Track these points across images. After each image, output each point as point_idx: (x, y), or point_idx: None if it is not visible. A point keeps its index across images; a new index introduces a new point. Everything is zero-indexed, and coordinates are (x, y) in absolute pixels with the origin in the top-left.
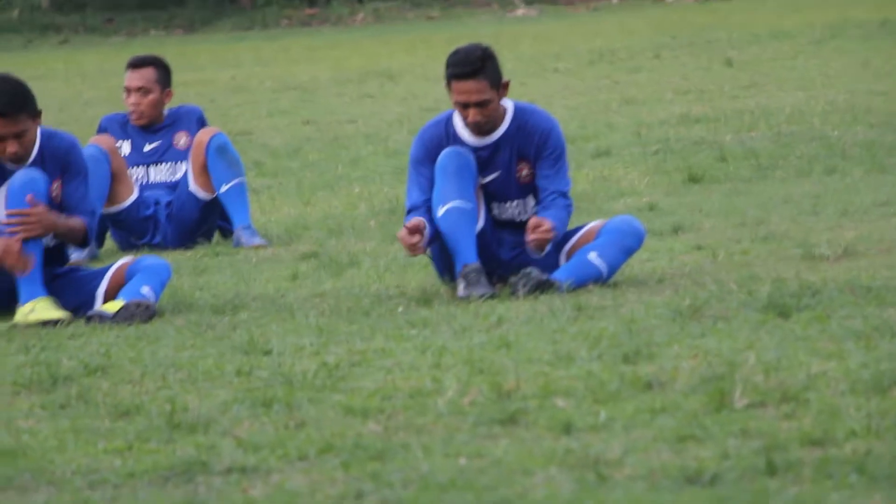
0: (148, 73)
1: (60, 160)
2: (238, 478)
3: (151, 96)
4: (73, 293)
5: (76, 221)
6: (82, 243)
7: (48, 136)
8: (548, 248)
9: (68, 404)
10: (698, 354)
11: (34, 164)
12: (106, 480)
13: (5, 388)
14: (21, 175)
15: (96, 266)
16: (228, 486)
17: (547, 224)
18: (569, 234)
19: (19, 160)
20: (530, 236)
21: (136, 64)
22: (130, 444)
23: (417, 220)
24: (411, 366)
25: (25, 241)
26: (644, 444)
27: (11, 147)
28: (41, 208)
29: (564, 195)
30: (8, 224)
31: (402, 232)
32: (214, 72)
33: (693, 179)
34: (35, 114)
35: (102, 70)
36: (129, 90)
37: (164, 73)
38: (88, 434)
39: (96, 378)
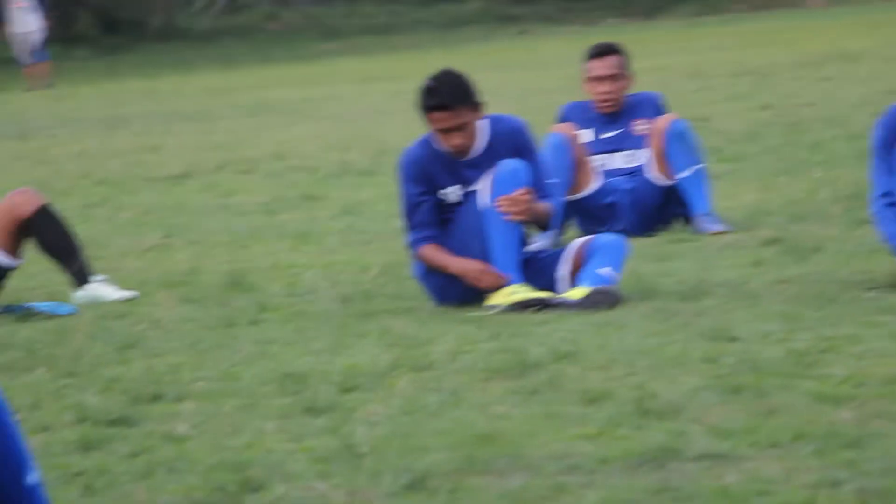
0: (615, 61)
1: (512, 143)
2: (710, 465)
3: (621, 83)
4: (535, 277)
5: (546, 206)
6: (547, 227)
7: (496, 121)
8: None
9: (538, 390)
10: None
11: (486, 151)
12: (579, 466)
13: (478, 373)
14: (506, 165)
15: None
16: (701, 473)
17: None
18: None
19: (465, 151)
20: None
21: (603, 52)
22: (601, 429)
23: None
24: (883, 353)
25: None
26: None
27: (457, 139)
28: (528, 195)
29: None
30: (496, 210)
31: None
32: (670, 58)
33: None
34: (476, 105)
35: (559, 59)
36: (599, 78)
37: (626, 60)
38: (559, 420)
39: (565, 364)
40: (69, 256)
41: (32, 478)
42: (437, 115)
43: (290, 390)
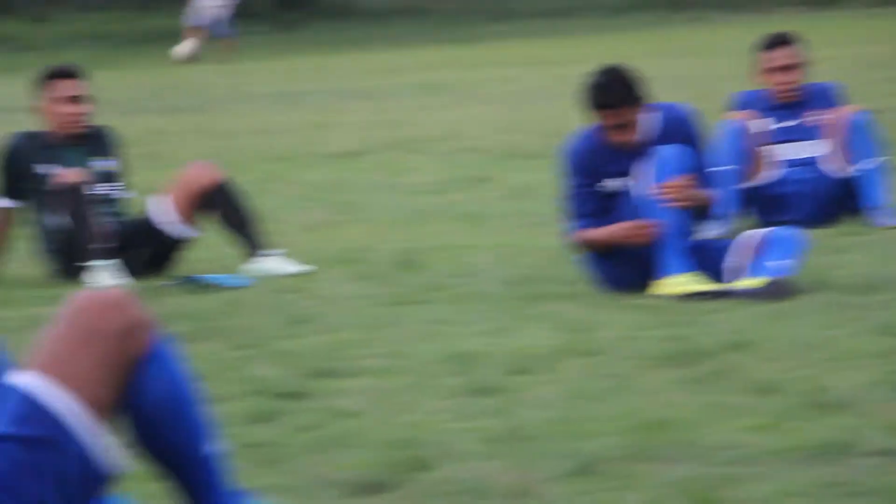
0: (793, 51)
1: (681, 132)
2: (886, 461)
3: (799, 72)
4: (702, 265)
5: (708, 193)
6: (708, 215)
7: (667, 110)
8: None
9: (708, 379)
10: None
11: (655, 140)
12: (749, 457)
13: (647, 360)
14: (667, 151)
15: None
16: (875, 469)
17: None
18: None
19: (630, 143)
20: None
21: (781, 42)
22: (771, 421)
23: None
24: None
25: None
26: None
27: (622, 134)
28: (689, 181)
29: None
30: (658, 197)
31: None
32: (849, 48)
33: None
34: (642, 101)
35: (731, 47)
36: (781, 68)
37: (802, 49)
38: (729, 410)
39: (735, 354)
40: (245, 230)
41: (211, 447)
42: (603, 112)
43: (459, 370)
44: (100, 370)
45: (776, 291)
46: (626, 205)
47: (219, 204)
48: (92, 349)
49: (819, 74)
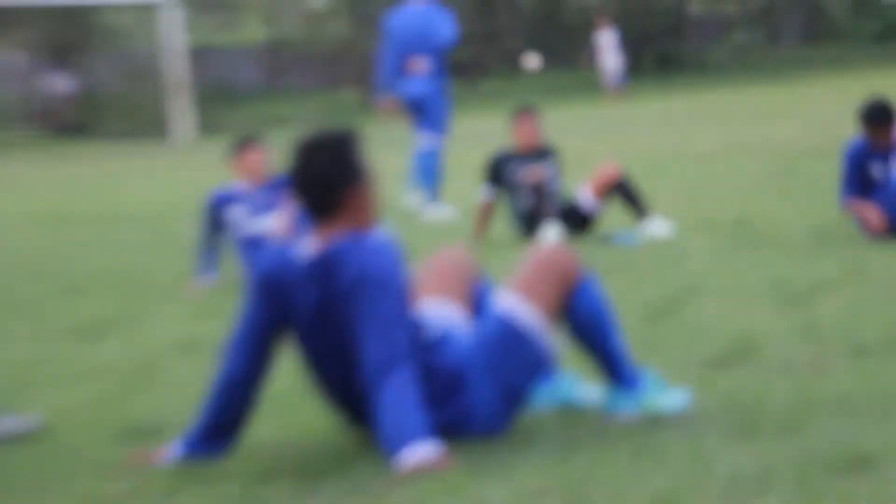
0: None
1: None
2: None
3: None
4: None
5: None
6: None
7: None
8: None
9: None
10: None
11: None
12: None
13: None
14: None
15: None
16: None
17: None
18: None
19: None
20: None
21: None
22: None
23: None
24: None
25: None
26: None
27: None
28: None
29: None
30: None
31: None
32: None
33: None
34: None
35: None
36: None
37: None
38: None
39: None
40: (638, 205)
41: (620, 340)
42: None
43: (776, 290)
44: (552, 293)
45: None
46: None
47: (620, 189)
48: (548, 280)
49: None
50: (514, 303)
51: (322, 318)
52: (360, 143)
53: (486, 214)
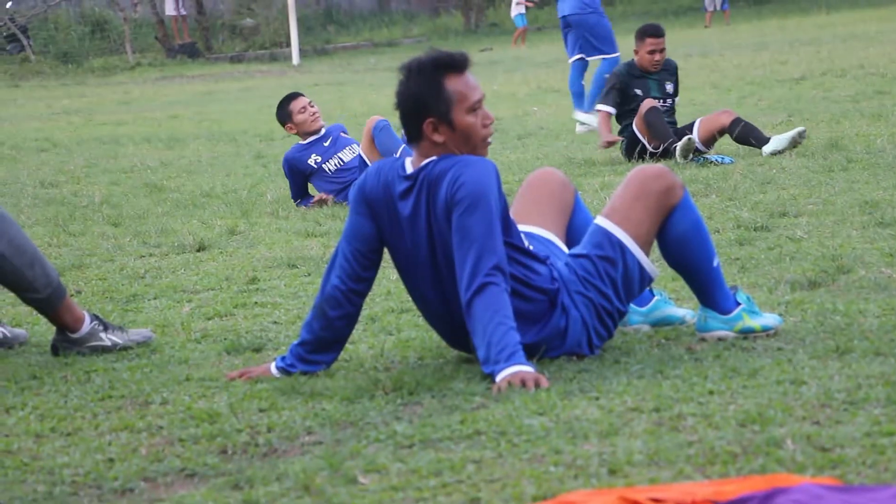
0: None
1: None
2: None
3: None
4: None
5: None
6: None
7: None
8: None
9: None
10: None
11: None
12: None
13: None
14: None
15: None
16: None
17: None
18: None
19: None
20: None
21: None
22: None
23: None
24: None
25: None
26: None
27: None
28: None
29: None
30: None
31: None
32: None
33: None
34: None
35: None
36: None
37: None
38: None
39: None
40: (759, 140)
41: (714, 261)
42: None
43: (867, 211)
44: (648, 216)
45: None
46: None
47: (734, 135)
48: (644, 202)
49: None
50: (610, 226)
51: (421, 232)
52: (454, 71)
53: (607, 125)
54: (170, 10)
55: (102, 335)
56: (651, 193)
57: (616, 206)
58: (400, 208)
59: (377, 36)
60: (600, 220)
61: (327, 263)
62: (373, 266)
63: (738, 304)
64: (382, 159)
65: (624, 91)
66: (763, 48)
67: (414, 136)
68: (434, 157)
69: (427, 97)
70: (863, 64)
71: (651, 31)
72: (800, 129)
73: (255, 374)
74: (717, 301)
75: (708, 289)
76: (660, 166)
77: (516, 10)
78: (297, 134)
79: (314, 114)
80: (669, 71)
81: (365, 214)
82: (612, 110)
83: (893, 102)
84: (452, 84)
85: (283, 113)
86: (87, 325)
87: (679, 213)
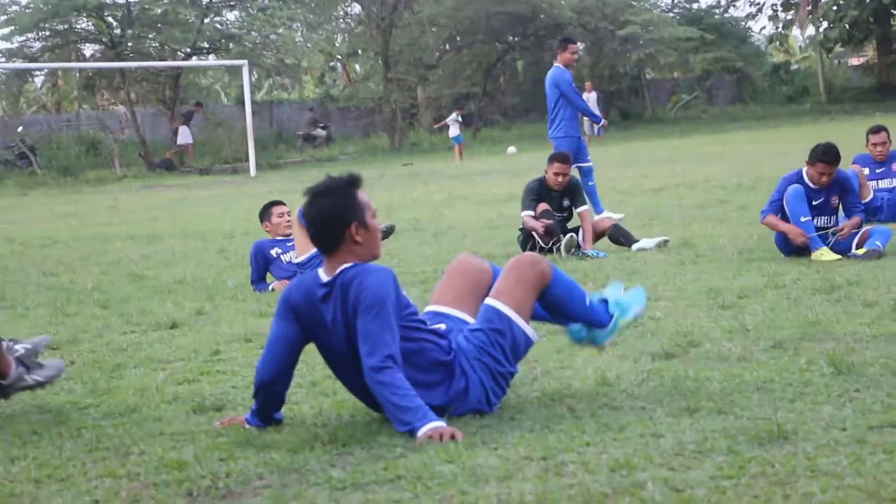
0: (884, 136)
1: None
2: None
3: (887, 146)
4: (836, 246)
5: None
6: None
7: (840, 173)
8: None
9: (840, 300)
10: None
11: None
12: (864, 338)
13: (809, 290)
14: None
15: None
16: None
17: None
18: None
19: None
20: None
21: (877, 131)
22: (873, 320)
23: None
24: None
25: None
26: None
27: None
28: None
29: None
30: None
31: None
32: None
33: None
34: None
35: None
36: (874, 144)
37: (888, 134)
38: (850, 315)
39: (854, 287)
40: (629, 241)
41: (588, 301)
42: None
43: (712, 296)
44: (527, 294)
45: (874, 255)
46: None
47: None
48: (524, 287)
49: None
50: (499, 304)
51: (341, 333)
52: (358, 186)
53: (532, 221)
54: (182, 139)
55: (27, 377)
56: (528, 279)
57: (501, 289)
58: (323, 311)
59: (319, 153)
60: (490, 301)
61: (260, 357)
62: (296, 356)
63: (611, 314)
64: (300, 275)
65: (537, 201)
66: (629, 164)
67: (334, 244)
68: (346, 265)
69: (347, 206)
70: (708, 178)
71: (559, 158)
72: (665, 237)
73: (238, 421)
74: (596, 321)
75: (586, 319)
76: (532, 254)
77: (454, 131)
78: (268, 231)
79: (288, 221)
80: (571, 189)
81: (291, 320)
82: (531, 213)
83: (733, 209)
84: (360, 195)
85: (266, 213)
86: (14, 371)
87: (552, 287)
